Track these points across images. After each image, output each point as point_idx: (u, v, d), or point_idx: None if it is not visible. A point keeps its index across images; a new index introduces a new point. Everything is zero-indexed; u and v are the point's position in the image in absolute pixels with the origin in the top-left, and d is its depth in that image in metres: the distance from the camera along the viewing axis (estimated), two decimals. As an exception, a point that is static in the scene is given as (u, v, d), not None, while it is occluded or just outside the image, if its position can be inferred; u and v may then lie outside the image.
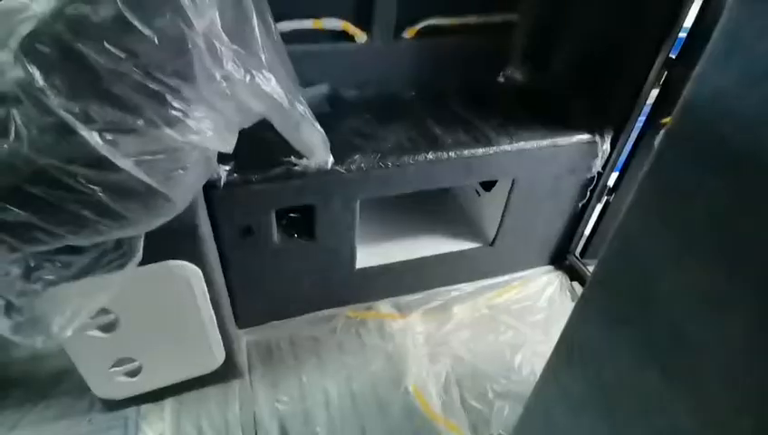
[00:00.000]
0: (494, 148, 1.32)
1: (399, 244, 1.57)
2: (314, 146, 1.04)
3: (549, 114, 1.44)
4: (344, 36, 1.43)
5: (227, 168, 1.12)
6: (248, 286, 1.35)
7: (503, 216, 1.51)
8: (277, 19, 1.04)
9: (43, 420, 1.20)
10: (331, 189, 1.23)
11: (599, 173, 1.49)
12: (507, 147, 1.33)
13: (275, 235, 1.27)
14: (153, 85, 0.68)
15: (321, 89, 1.46)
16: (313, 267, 1.40)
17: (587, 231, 1.71)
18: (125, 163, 0.71)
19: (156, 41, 0.64)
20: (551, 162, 1.42)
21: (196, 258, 1.02)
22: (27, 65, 0.61)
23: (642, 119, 1.42)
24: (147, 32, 0.63)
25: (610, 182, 1.57)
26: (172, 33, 0.65)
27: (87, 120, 0.66)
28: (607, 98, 1.42)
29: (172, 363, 1.19)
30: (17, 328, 0.82)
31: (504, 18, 1.55)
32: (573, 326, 0.84)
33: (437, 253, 1.56)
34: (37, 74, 0.61)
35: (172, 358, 1.17)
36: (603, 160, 1.46)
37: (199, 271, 1.03)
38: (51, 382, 1.27)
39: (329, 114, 1.36)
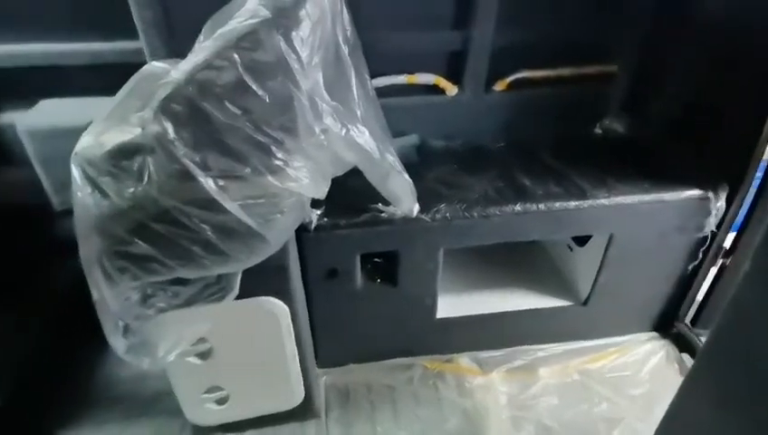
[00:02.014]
0: (590, 201, 1.25)
1: (483, 296, 1.52)
2: (401, 194, 1.08)
3: (653, 167, 1.35)
4: (436, 90, 1.48)
5: (318, 212, 1.19)
6: (330, 327, 1.39)
7: (598, 273, 1.41)
8: (373, 76, 1.12)
9: (140, 437, 1.31)
10: (415, 237, 1.24)
11: (713, 232, 1.34)
12: (604, 200, 1.26)
13: (359, 278, 1.30)
14: (261, 138, 0.76)
15: (411, 139, 1.51)
16: (394, 313, 1.40)
17: (699, 296, 1.53)
18: (232, 206, 0.79)
19: (267, 100, 0.72)
20: (655, 219, 1.31)
21: (285, 296, 1.08)
22: (163, 121, 0.71)
23: (760, 175, 1.27)
24: (260, 92, 0.71)
25: (726, 243, 1.40)
26: (282, 93, 0.73)
27: (205, 167, 0.75)
28: (718, 151, 1.30)
29: (256, 397, 1.24)
30: (130, 349, 0.91)
31: (600, 69, 1.51)
32: (679, 404, 0.75)
33: (524, 308, 1.49)
34: (170, 129, 0.71)
35: (256, 391, 1.23)
36: (718, 219, 1.31)
37: (287, 308, 1.09)
38: (149, 402, 1.38)
39: (417, 164, 1.40)
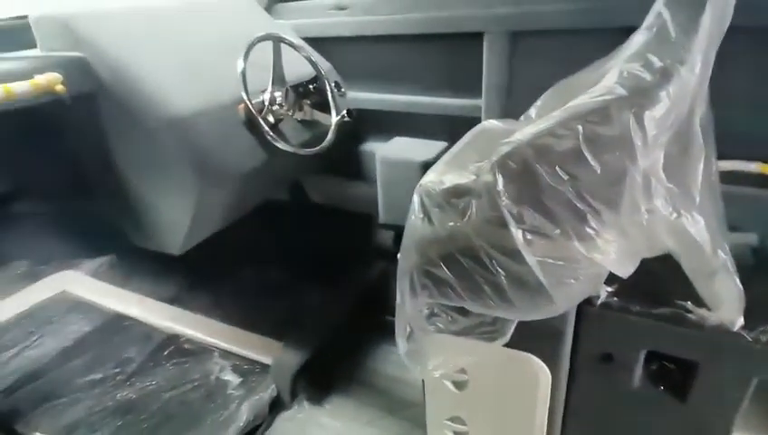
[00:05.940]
0: None
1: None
2: (725, 300, 0.90)
3: None
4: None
5: (609, 289, 1.11)
6: (585, 416, 1.25)
7: None
8: (718, 157, 0.99)
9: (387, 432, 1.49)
10: (726, 353, 1.01)
11: None
12: None
13: (638, 376, 1.14)
14: (580, 205, 0.77)
15: (748, 237, 1.24)
16: (670, 433, 1.16)
17: None
18: (531, 260, 0.83)
19: (598, 171, 0.73)
20: None
21: (552, 363, 1.05)
22: (497, 174, 0.82)
23: None
24: (594, 163, 0.73)
25: None
26: (615, 168, 0.73)
27: (519, 220, 0.82)
28: None
29: (491, 447, 1.24)
30: (408, 353, 1.07)
31: None
32: None
33: None
34: (500, 181, 0.81)
35: (493, 442, 1.23)
36: None
37: (550, 375, 1.05)
38: (400, 406, 1.56)
39: (751, 268, 1.14)
